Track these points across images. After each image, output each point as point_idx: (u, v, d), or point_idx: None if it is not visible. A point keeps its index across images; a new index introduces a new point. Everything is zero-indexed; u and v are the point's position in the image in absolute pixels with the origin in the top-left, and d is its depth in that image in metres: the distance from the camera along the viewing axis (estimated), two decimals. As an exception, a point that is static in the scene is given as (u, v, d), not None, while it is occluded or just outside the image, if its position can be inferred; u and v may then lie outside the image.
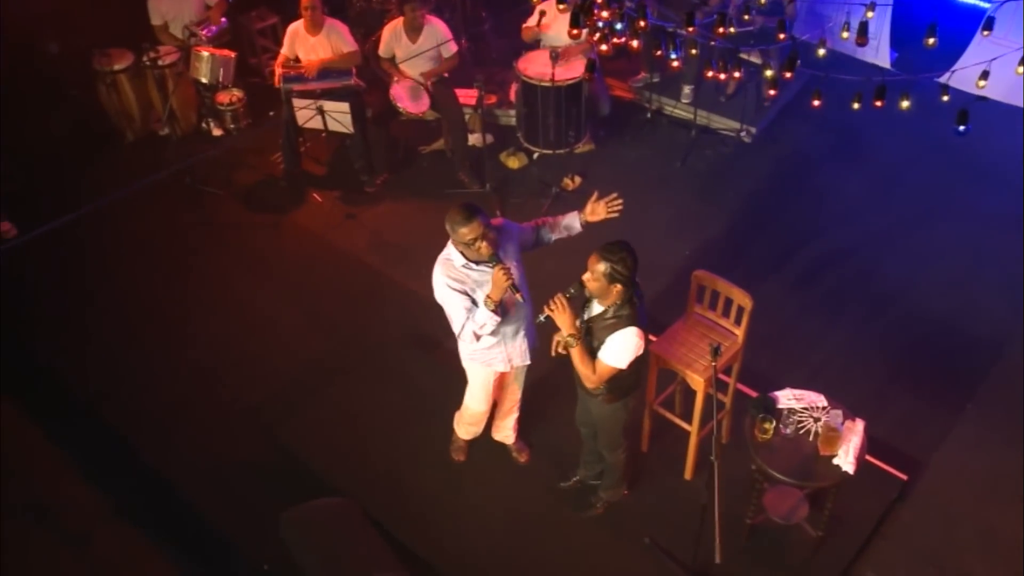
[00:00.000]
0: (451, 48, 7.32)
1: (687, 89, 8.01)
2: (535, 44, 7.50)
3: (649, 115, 8.12)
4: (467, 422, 5.42)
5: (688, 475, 5.36)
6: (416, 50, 7.23)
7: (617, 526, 5.20)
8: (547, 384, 5.64)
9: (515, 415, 5.44)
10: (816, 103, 5.76)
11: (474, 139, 7.81)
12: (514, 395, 5.28)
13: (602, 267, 4.09)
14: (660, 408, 5.36)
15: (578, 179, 7.47)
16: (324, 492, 5.23)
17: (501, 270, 4.32)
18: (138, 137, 8.10)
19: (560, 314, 4.19)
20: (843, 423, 4.52)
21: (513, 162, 7.73)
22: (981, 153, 7.48)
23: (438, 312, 4.73)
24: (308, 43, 7.32)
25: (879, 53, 8.51)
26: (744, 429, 4.68)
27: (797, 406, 4.68)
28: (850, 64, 8.41)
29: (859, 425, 4.55)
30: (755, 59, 7.74)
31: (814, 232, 6.97)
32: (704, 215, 7.11)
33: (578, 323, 4.30)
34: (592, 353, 4.31)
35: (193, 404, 5.95)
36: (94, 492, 5.42)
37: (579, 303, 4.40)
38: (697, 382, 4.90)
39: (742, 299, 4.87)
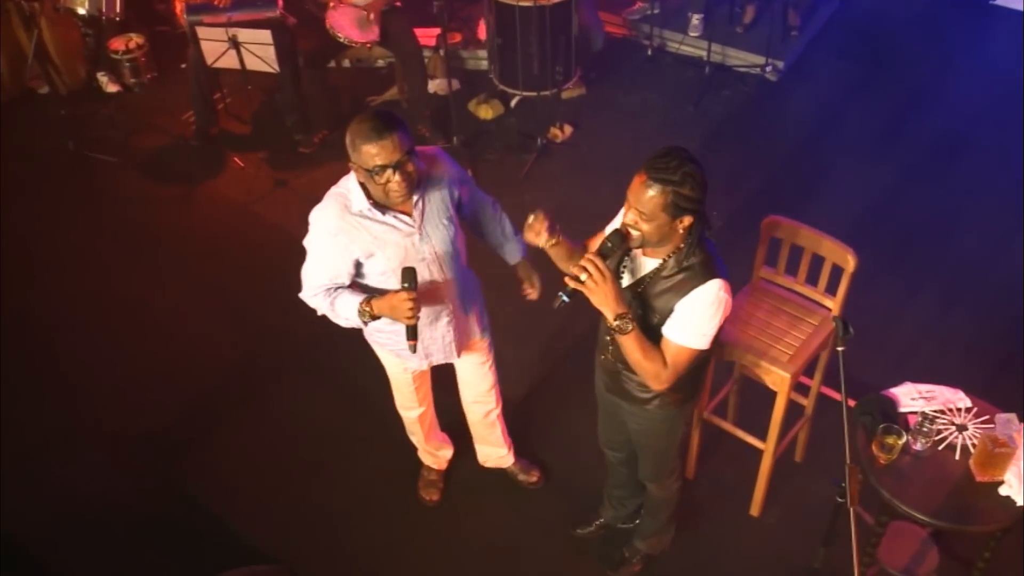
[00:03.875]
0: (402, -38, 5.76)
1: (695, 19, 6.51)
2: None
3: (650, 52, 6.60)
4: (409, 433, 3.91)
5: (756, 511, 3.85)
6: (357, -33, 5.66)
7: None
8: (550, 388, 4.10)
9: (496, 426, 3.91)
10: None
11: (435, 85, 6.28)
12: (477, 395, 3.74)
13: (657, 194, 2.55)
14: (714, 417, 3.83)
15: (568, 128, 5.94)
16: (245, 556, 3.71)
17: (405, 297, 2.89)
18: (10, 98, 6.41)
19: (600, 287, 2.61)
20: (1018, 432, 3.02)
21: (485, 111, 6.18)
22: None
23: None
24: (218, -37, 5.72)
25: (916, -25, 7.09)
26: (854, 446, 3.17)
27: (928, 408, 3.18)
28: None
29: (1028, 434, 3.06)
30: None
31: (864, 184, 5.48)
32: (726, 167, 5.52)
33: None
34: (652, 336, 2.78)
35: (67, 435, 4.36)
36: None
37: (617, 262, 2.85)
38: (778, 379, 3.38)
39: (839, 255, 3.35)
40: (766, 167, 5.65)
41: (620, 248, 2.71)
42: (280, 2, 5.74)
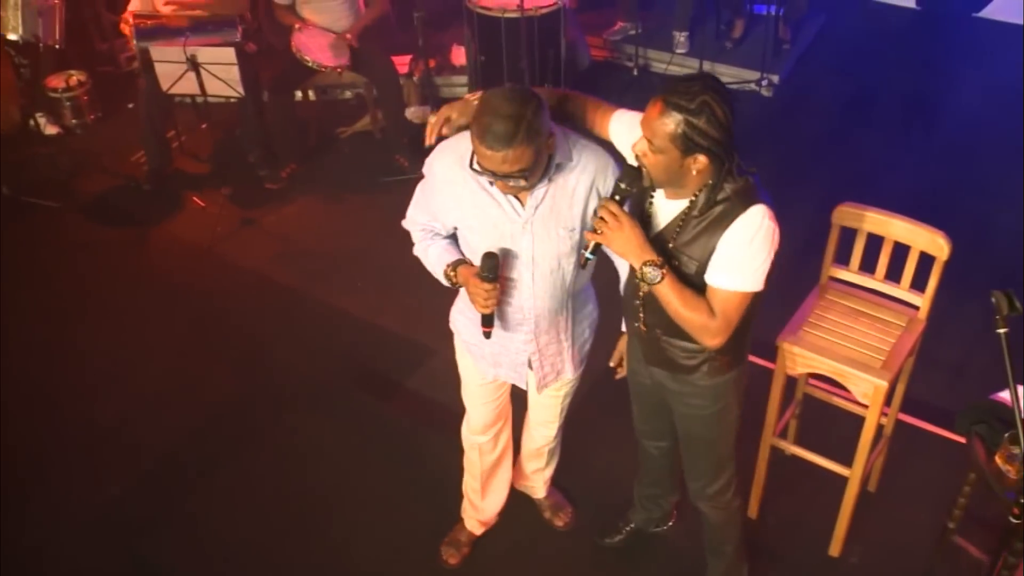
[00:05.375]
0: (374, -19, 5.31)
1: (681, 37, 6.17)
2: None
3: (635, 72, 6.23)
4: (467, 472, 3.31)
5: (836, 550, 3.31)
6: (327, -14, 5.21)
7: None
8: (575, 417, 3.57)
9: (545, 469, 3.39)
10: None
11: (411, 113, 5.80)
12: (542, 420, 3.18)
13: (669, 122, 2.18)
14: (782, 442, 3.32)
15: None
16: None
17: (485, 288, 2.47)
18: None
19: (618, 232, 2.32)
20: None
21: (467, 138, 5.70)
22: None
23: (388, 338, 3.63)
24: (171, -14, 5.21)
25: (901, -10, 6.91)
26: (973, 460, 2.69)
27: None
28: (866, 6, 6.93)
29: None
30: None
31: (883, 198, 5.08)
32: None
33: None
34: (697, 290, 2.38)
35: (16, 508, 3.66)
36: None
37: (640, 205, 2.43)
38: (870, 389, 2.88)
39: (929, 241, 2.90)
40: (772, 184, 5.23)
41: (636, 186, 2.35)
42: (240, 28, 5.25)
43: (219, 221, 5.09)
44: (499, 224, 2.50)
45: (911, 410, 3.67)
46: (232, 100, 4.96)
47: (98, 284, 4.80)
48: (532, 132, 2.26)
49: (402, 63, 5.83)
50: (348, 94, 6.15)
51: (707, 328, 2.37)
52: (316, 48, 5.14)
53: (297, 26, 5.21)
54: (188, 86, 4.81)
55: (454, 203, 2.54)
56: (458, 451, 3.35)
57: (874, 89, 6.01)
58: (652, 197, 2.43)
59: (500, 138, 2.24)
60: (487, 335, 2.61)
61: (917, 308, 3.02)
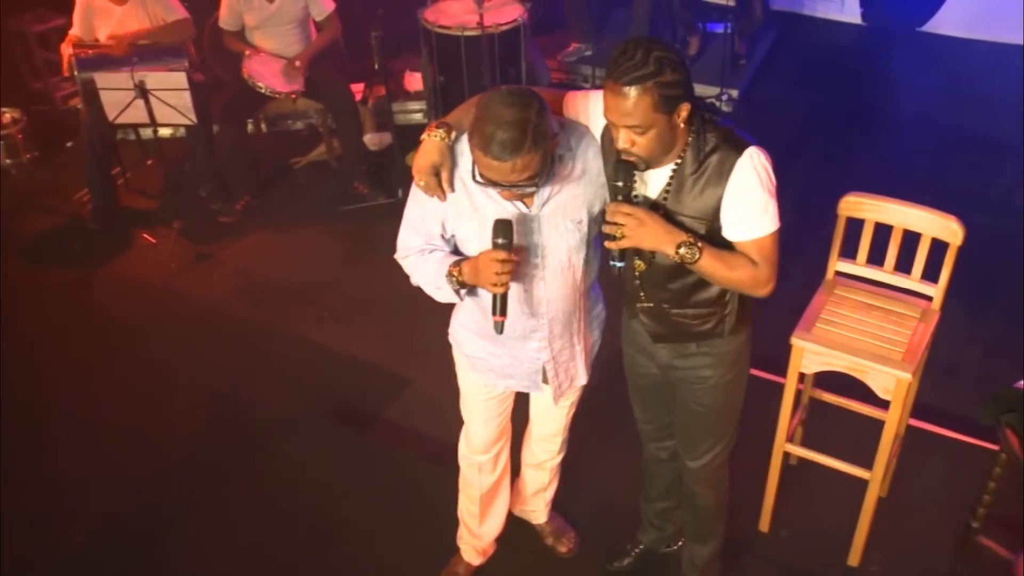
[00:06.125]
0: (324, 5, 5.13)
1: (637, 55, 6.10)
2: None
3: (593, 92, 6.15)
4: (464, 496, 3.07)
5: (855, 559, 3.16)
6: (275, 13, 5.02)
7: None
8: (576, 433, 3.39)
9: (547, 490, 3.19)
10: None
11: (368, 140, 5.65)
12: (547, 433, 2.98)
13: (639, 96, 2.07)
14: (795, 447, 3.17)
15: (525, 172, 5.36)
16: None
17: (494, 257, 2.23)
18: None
19: (641, 229, 2.20)
20: None
21: (427, 163, 5.53)
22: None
23: (361, 369, 3.61)
24: (112, 15, 4.97)
25: (845, 7, 6.98)
26: (1007, 450, 2.57)
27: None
28: (814, 23, 7.02)
29: None
30: (721, 0, 5.91)
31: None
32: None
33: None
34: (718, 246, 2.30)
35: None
36: None
37: (628, 189, 2.27)
38: (892, 383, 2.74)
39: (943, 229, 2.80)
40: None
41: (631, 179, 2.24)
42: (189, 54, 5.04)
43: (172, 257, 4.82)
44: (503, 215, 2.31)
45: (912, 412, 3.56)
46: (179, 135, 4.73)
47: (47, 329, 4.49)
48: (539, 136, 2.10)
49: (355, 91, 5.66)
50: (300, 125, 5.95)
51: (758, 279, 2.28)
52: (268, 74, 4.95)
53: (247, 52, 5.02)
54: (136, 115, 4.57)
55: (453, 216, 2.36)
56: (447, 480, 3.15)
57: (829, 100, 6.02)
58: (635, 177, 2.29)
59: (507, 147, 2.08)
60: (499, 327, 2.32)
61: (929, 299, 2.91)
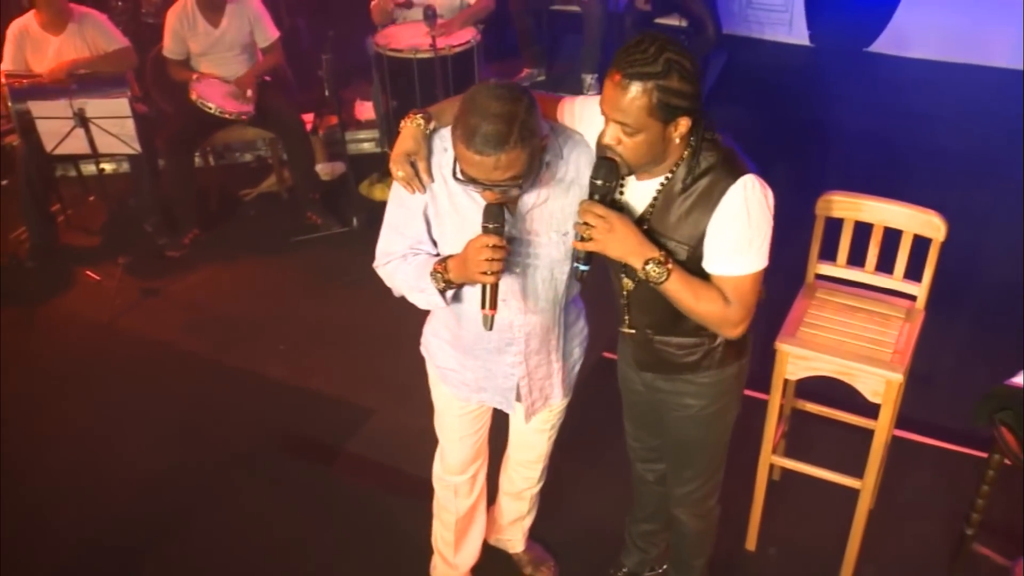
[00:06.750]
0: (269, 32, 5.01)
1: (590, 79, 6.07)
2: (387, 24, 5.28)
3: (547, 118, 6.08)
4: (438, 522, 2.91)
5: (847, 574, 3.03)
6: (220, 38, 4.88)
7: None
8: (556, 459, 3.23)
9: (526, 518, 3.03)
10: None
11: (320, 170, 5.51)
12: (525, 460, 2.82)
13: (638, 94, 1.93)
14: (783, 459, 3.06)
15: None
16: None
17: (484, 243, 2.06)
18: None
19: (610, 234, 2.05)
20: None
21: (381, 191, 5.40)
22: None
23: (320, 401, 3.47)
24: (48, 45, 4.80)
25: (793, 29, 7.05)
26: (1004, 450, 2.48)
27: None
28: (763, 45, 7.09)
29: None
30: (675, 22, 5.91)
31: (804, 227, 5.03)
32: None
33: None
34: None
35: None
36: None
37: (609, 199, 2.12)
38: (882, 384, 2.64)
39: (926, 225, 2.73)
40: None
41: (613, 180, 2.08)
42: (131, 86, 4.86)
43: (117, 294, 4.60)
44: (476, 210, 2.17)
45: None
46: (122, 171, 4.51)
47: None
48: (526, 133, 1.96)
49: (306, 121, 5.53)
50: (248, 156, 5.79)
51: (727, 319, 2.12)
52: (218, 96, 4.80)
53: (195, 76, 4.87)
54: (76, 145, 4.36)
55: (433, 215, 2.23)
56: (415, 512, 3.02)
57: (780, 118, 6.03)
58: (623, 184, 2.16)
59: (491, 141, 1.94)
60: (488, 322, 2.14)
61: (912, 298, 2.83)
